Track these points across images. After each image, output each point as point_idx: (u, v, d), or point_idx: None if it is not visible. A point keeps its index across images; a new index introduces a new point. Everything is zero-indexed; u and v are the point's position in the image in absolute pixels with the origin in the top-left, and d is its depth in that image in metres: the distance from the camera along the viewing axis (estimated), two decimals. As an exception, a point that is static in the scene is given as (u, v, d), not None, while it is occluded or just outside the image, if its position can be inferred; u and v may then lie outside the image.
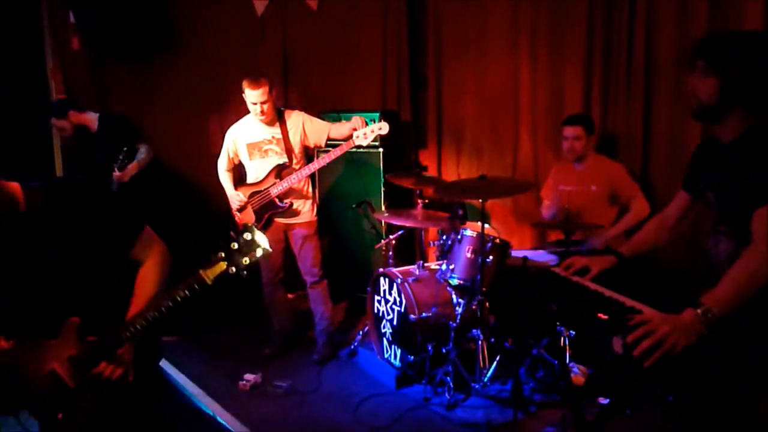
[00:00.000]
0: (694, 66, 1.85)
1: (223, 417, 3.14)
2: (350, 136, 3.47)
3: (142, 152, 3.98)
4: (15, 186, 1.83)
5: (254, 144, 3.62)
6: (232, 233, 1.76)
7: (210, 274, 1.75)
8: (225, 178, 3.76)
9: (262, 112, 3.47)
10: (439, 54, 4.57)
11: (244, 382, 3.46)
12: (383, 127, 3.44)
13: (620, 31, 3.62)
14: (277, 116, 3.60)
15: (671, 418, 1.85)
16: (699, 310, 1.60)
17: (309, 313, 3.92)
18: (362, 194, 4.50)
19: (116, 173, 3.83)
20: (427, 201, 3.74)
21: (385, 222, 4.23)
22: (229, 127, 3.72)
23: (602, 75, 3.76)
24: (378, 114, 4.43)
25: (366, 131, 3.43)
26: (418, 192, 3.84)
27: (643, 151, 3.62)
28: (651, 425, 2.62)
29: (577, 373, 3.19)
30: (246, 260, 1.74)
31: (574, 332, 3.08)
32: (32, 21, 4.23)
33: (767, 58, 1.74)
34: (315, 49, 4.95)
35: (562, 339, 3.14)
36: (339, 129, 3.62)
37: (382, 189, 4.45)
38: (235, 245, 1.73)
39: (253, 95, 3.42)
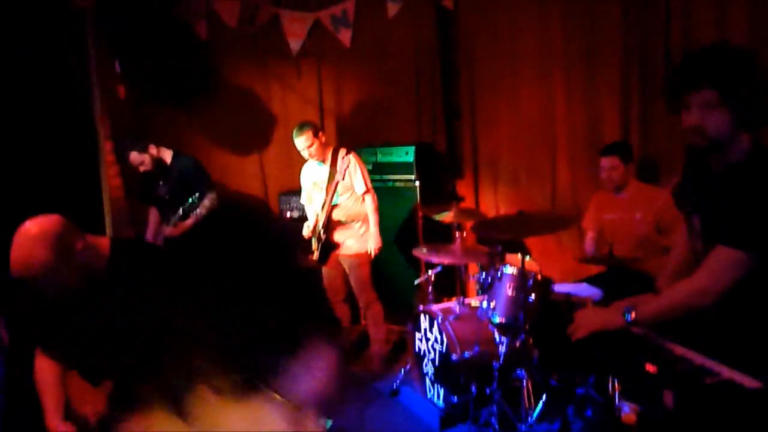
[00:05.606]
0: (693, 97, 1.57)
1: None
2: None
3: (205, 204, 3.97)
4: (104, 243, 1.78)
5: (315, 182, 3.96)
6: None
7: None
8: (309, 212, 4.10)
9: (310, 155, 3.85)
10: (472, 84, 4.56)
11: (289, 422, 3.47)
12: None
13: (657, 56, 3.55)
14: (331, 156, 3.87)
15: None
16: (625, 313, 1.80)
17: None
18: (398, 228, 4.49)
19: (168, 229, 3.97)
20: (465, 234, 3.70)
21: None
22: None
23: (640, 100, 3.70)
24: (413, 147, 4.47)
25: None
26: (456, 225, 3.81)
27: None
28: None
29: (628, 412, 3.07)
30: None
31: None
32: (81, 70, 4.43)
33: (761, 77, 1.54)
34: (349, 84, 5.03)
35: (610, 377, 3.03)
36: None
37: (419, 222, 4.44)
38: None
39: (297, 143, 3.82)
